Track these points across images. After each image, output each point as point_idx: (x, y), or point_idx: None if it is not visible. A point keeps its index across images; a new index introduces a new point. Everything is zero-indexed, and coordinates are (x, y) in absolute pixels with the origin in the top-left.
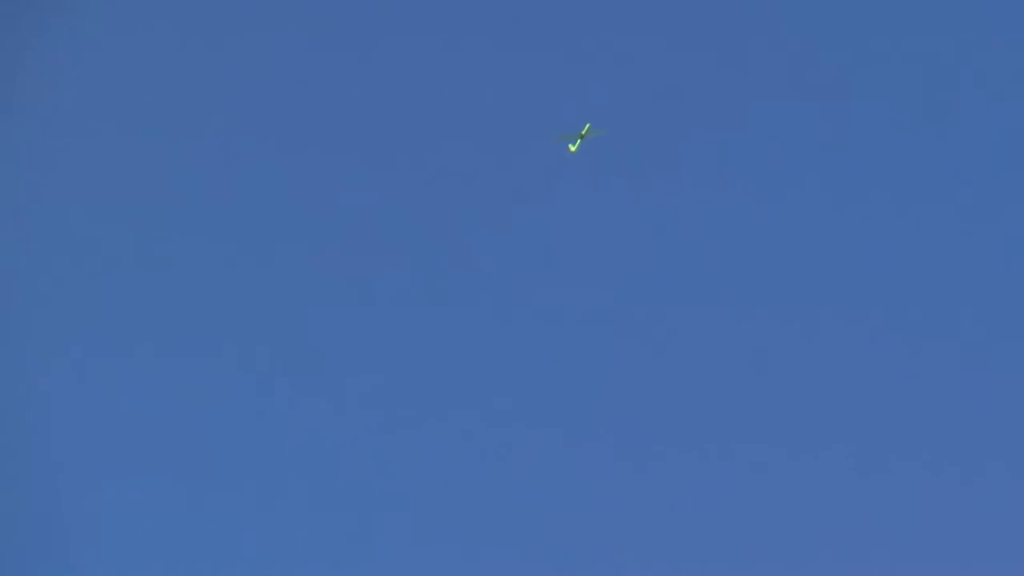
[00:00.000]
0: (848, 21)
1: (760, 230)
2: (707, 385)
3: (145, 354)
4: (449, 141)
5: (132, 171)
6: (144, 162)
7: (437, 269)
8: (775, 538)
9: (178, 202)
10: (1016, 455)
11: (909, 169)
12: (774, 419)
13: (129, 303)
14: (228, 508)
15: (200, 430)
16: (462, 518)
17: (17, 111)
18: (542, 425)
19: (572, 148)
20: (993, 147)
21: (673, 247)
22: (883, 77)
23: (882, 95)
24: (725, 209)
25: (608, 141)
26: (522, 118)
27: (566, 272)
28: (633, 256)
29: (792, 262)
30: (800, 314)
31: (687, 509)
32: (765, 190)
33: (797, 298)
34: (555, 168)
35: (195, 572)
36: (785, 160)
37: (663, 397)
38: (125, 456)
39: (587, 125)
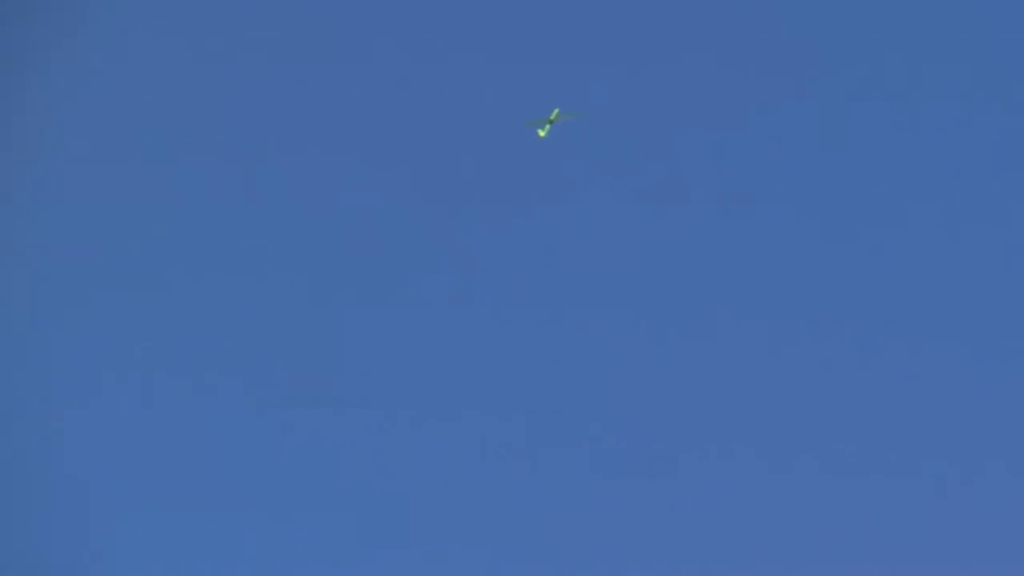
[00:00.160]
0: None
1: (760, 230)
2: (707, 385)
3: (146, 361)
4: (448, 141)
5: (132, 172)
6: (144, 162)
7: (437, 269)
8: (775, 538)
9: (178, 204)
10: (1016, 455)
11: (909, 169)
12: (774, 419)
13: (129, 306)
14: (228, 508)
15: (200, 431)
16: (462, 518)
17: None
18: (542, 425)
19: (541, 133)
20: (993, 147)
21: (673, 247)
22: (879, 77)
23: (881, 95)
24: (725, 210)
25: (609, 141)
26: (521, 118)
27: (566, 272)
28: (633, 257)
29: (792, 262)
30: (800, 314)
31: (687, 509)
32: (765, 190)
33: (797, 298)
34: (556, 169)
35: (195, 572)
36: (785, 160)
37: (663, 397)
38: (125, 456)
39: (556, 110)
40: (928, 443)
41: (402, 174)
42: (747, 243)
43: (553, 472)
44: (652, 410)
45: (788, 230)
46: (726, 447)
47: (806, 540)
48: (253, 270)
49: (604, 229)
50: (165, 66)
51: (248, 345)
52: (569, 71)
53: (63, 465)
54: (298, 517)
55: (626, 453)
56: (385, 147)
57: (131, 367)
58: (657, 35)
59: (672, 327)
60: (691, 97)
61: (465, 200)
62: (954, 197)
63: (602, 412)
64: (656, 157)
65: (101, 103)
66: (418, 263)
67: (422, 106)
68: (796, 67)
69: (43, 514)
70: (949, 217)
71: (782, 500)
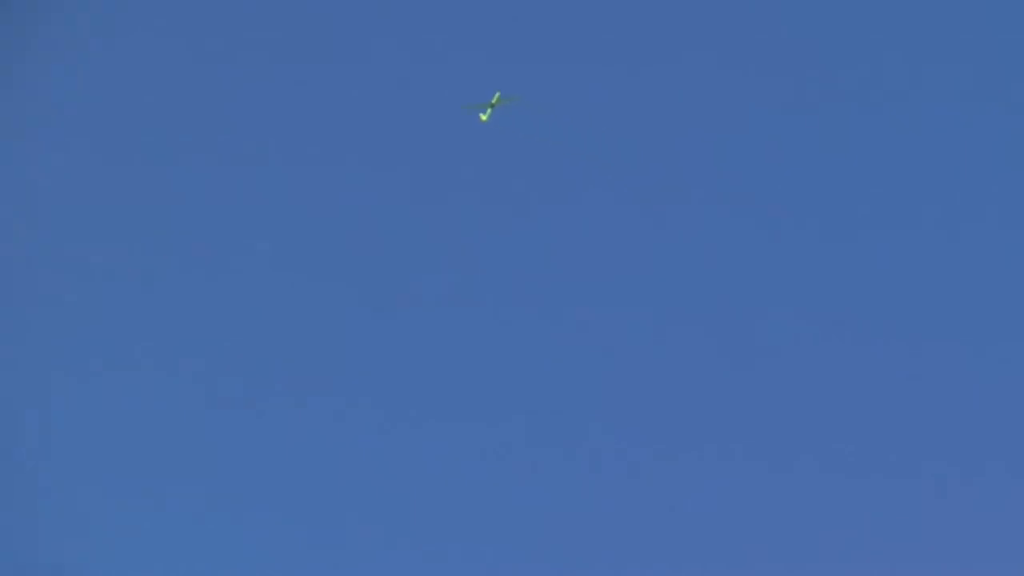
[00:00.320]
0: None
1: (760, 230)
2: (707, 385)
3: (146, 358)
4: (448, 141)
5: (132, 172)
6: (144, 162)
7: (437, 269)
8: (775, 538)
9: (178, 204)
10: (1016, 455)
11: (909, 169)
12: (774, 419)
13: (128, 307)
14: (228, 508)
15: (200, 432)
16: (462, 518)
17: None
18: (542, 425)
19: (483, 117)
20: (993, 147)
21: (673, 247)
22: (879, 77)
23: (881, 95)
24: (724, 210)
25: (609, 141)
26: (521, 118)
27: (566, 272)
28: (633, 257)
29: (792, 262)
30: (800, 314)
31: (687, 509)
32: (765, 190)
33: (797, 298)
34: (556, 169)
35: (194, 572)
36: (785, 160)
37: (663, 397)
38: (125, 456)
39: (496, 94)
40: (928, 443)
41: (402, 174)
42: (747, 243)
43: (553, 472)
44: (652, 410)
45: (788, 230)
46: (726, 447)
47: (806, 540)
48: (253, 270)
49: (604, 229)
50: (165, 66)
51: (248, 345)
52: (569, 71)
53: (63, 465)
54: (298, 517)
55: (626, 453)
56: (385, 147)
57: (131, 367)
58: (657, 35)
59: (672, 327)
60: (691, 97)
61: (465, 200)
62: (954, 197)
63: (602, 412)
64: (656, 157)
65: (101, 103)
66: (418, 263)
67: (422, 106)
68: (796, 67)
69: (42, 514)
70: (949, 217)
71: (782, 500)
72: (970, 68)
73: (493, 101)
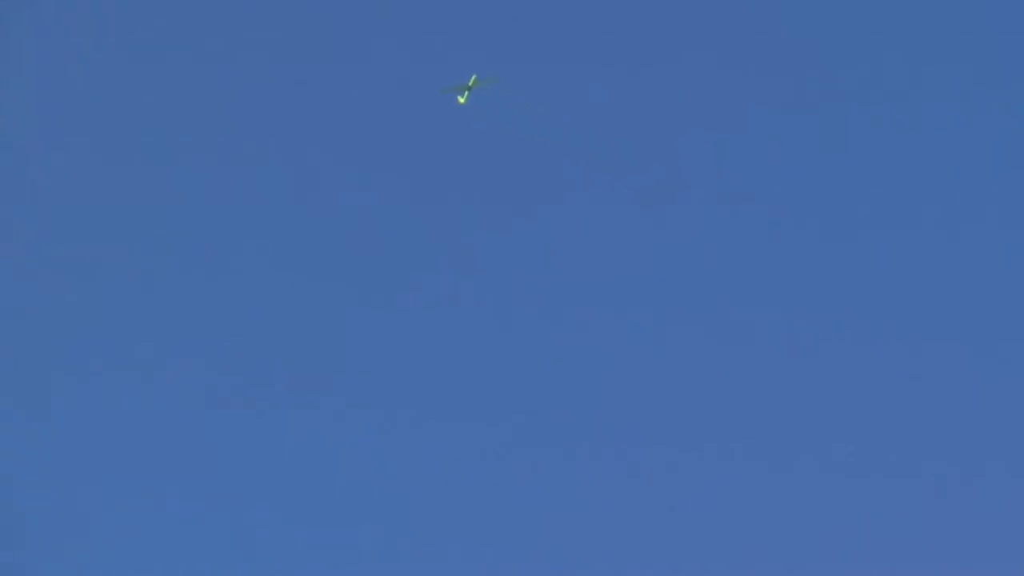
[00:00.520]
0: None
1: (760, 230)
2: (707, 385)
3: (146, 358)
4: (448, 141)
5: (132, 172)
6: (143, 163)
7: (437, 269)
8: (775, 538)
9: (178, 204)
10: (1016, 455)
11: (909, 169)
12: (774, 419)
13: (128, 307)
14: (227, 508)
15: (200, 432)
16: (462, 518)
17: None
18: (542, 425)
19: (461, 100)
20: (993, 147)
21: (673, 247)
22: (879, 77)
23: (881, 95)
24: (724, 210)
25: (608, 141)
26: (521, 118)
27: (566, 272)
28: (633, 257)
29: (792, 262)
30: (800, 314)
31: (687, 509)
32: (764, 190)
33: (797, 298)
34: (555, 169)
35: (194, 572)
36: (785, 160)
37: (663, 397)
38: (125, 457)
39: (473, 76)
40: (928, 443)
41: (401, 173)
42: (747, 243)
43: (553, 472)
44: (652, 410)
45: (788, 230)
46: (726, 447)
47: (806, 540)
48: (253, 269)
49: (604, 229)
50: (165, 66)
51: (248, 345)
52: (569, 71)
53: (63, 464)
54: (298, 517)
55: (626, 453)
56: (384, 147)
57: (131, 367)
58: (656, 34)
59: (672, 327)
60: (691, 96)
61: (464, 200)
62: (954, 197)
63: (602, 412)
64: (655, 157)
65: (101, 103)
66: (419, 263)
67: (421, 106)
68: (796, 67)
69: (43, 514)
70: (949, 217)
71: (782, 500)
72: (970, 68)
73: (470, 83)
